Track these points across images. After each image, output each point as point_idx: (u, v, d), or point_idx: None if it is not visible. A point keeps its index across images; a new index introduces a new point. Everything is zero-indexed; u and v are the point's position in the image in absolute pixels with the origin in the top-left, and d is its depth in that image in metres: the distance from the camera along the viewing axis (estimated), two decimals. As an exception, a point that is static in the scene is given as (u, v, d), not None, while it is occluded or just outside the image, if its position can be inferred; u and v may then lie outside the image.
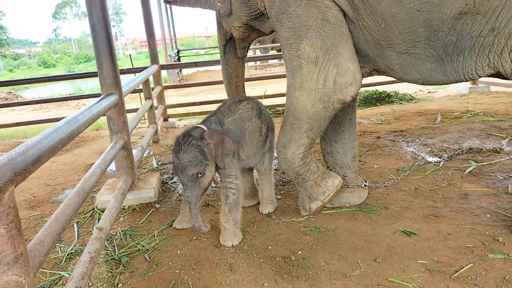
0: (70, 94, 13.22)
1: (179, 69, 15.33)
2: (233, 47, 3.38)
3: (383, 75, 2.71)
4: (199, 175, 2.33)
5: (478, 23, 2.09)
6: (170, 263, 2.35)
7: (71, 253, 2.57)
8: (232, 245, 2.48)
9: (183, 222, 2.76)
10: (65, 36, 65.66)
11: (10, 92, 13.55)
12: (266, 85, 7.58)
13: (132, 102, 9.18)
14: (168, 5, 17.49)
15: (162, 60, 9.31)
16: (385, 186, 3.05)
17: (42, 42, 69.70)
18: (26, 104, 8.18)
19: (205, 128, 2.43)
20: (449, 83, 2.45)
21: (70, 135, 1.81)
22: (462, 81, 2.38)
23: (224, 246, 2.48)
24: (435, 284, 1.99)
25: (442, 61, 2.30)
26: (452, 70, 2.30)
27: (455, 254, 2.19)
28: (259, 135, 2.74)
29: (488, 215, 2.57)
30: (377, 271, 2.12)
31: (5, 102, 10.79)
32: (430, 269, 2.09)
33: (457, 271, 2.05)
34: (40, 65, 40.13)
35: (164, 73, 10.67)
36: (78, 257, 2.48)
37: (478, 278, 1.99)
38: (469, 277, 2.00)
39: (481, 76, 2.29)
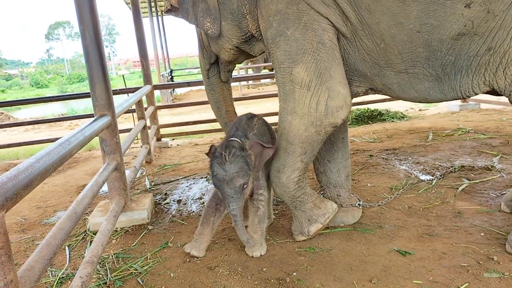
0: (62, 115, 13.21)
1: (172, 89, 15.40)
2: (217, 71, 3.29)
3: (379, 93, 2.74)
4: (245, 186, 2.33)
5: (476, 43, 2.15)
6: (163, 287, 2.32)
7: (63, 277, 2.52)
8: (260, 255, 2.53)
9: (200, 249, 2.62)
10: (58, 57, 65.92)
11: (2, 113, 13.51)
12: (259, 104, 7.62)
13: (125, 122, 9.16)
14: (161, 25, 17.72)
15: (155, 80, 9.34)
16: (379, 205, 3.05)
17: (35, 63, 69.83)
18: (18, 125, 8.12)
19: (238, 140, 2.42)
20: (446, 101, 2.49)
21: (62, 158, 1.80)
22: (459, 99, 2.43)
23: (252, 256, 2.54)
24: (431, 304, 1.97)
25: (440, 80, 2.34)
26: (450, 88, 2.35)
27: (451, 274, 2.18)
28: None
29: (482, 234, 2.58)
30: (373, 292, 2.10)
31: (-4, 123, 10.72)
32: (426, 289, 2.07)
33: (453, 291, 2.04)
34: (32, 86, 40.17)
35: (157, 92, 10.71)
36: (69, 282, 2.43)
37: (474, 298, 1.98)
38: (465, 297, 1.99)
39: (477, 93, 2.33)
